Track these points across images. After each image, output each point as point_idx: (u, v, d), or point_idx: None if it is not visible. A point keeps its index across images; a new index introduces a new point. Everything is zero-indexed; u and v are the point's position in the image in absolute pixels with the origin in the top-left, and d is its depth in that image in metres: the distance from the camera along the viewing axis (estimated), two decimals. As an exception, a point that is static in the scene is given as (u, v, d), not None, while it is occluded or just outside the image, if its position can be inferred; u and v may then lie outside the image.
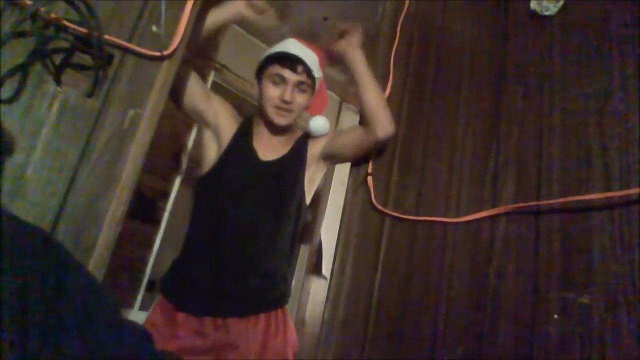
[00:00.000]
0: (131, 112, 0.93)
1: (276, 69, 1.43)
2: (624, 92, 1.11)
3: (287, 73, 1.43)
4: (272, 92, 1.44)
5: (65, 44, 0.88)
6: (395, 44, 1.67)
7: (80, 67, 0.90)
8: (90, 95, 0.90)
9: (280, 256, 1.44)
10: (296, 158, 1.52)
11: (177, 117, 2.16)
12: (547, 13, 1.31)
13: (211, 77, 2.75)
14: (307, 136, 1.58)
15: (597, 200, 1.02)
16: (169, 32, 0.99)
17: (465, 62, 1.50)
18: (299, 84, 1.45)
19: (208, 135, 1.51)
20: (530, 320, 1.05)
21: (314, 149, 1.54)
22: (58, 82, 0.88)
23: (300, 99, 1.47)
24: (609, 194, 1.01)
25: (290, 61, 1.43)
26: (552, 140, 1.18)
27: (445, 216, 1.33)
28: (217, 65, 2.77)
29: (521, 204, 1.16)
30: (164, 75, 0.98)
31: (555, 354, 0.98)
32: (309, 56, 1.46)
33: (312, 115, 1.58)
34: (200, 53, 1.34)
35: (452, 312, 1.22)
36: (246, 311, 1.34)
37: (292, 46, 1.46)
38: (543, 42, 1.31)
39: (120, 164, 0.91)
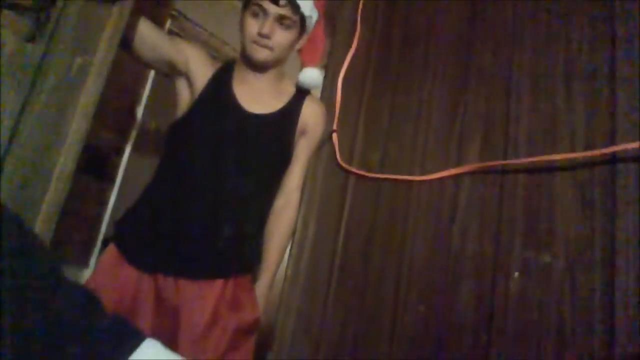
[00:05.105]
0: (79, 60, 0.86)
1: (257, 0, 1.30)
2: (592, 54, 1.10)
3: (266, 4, 1.28)
4: (251, 25, 1.30)
5: (0, -20, 0.79)
6: (362, -2, 1.61)
7: (20, 8, 0.81)
8: (31, 39, 0.82)
9: (254, 220, 1.34)
10: (290, 117, 1.38)
11: (132, 67, 2.04)
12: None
13: (167, 25, 2.61)
14: (302, 94, 1.42)
15: (561, 161, 1.03)
16: (121, -29, 0.90)
17: (435, 18, 1.46)
18: (280, 18, 1.29)
19: (181, 83, 1.37)
20: (491, 279, 1.07)
21: (303, 122, 1.40)
22: (-7, 23, 0.79)
23: (282, 36, 1.31)
24: (574, 155, 1.02)
25: None
26: (520, 100, 1.17)
27: (410, 175, 1.32)
28: (173, 12, 2.63)
29: (486, 163, 1.16)
30: (115, 20, 0.90)
31: (514, 312, 1.01)
32: None
33: (305, 65, 1.45)
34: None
35: (415, 271, 1.23)
36: (200, 273, 1.23)
37: None
38: (514, 1, 1.28)
39: (68, 116, 0.84)
